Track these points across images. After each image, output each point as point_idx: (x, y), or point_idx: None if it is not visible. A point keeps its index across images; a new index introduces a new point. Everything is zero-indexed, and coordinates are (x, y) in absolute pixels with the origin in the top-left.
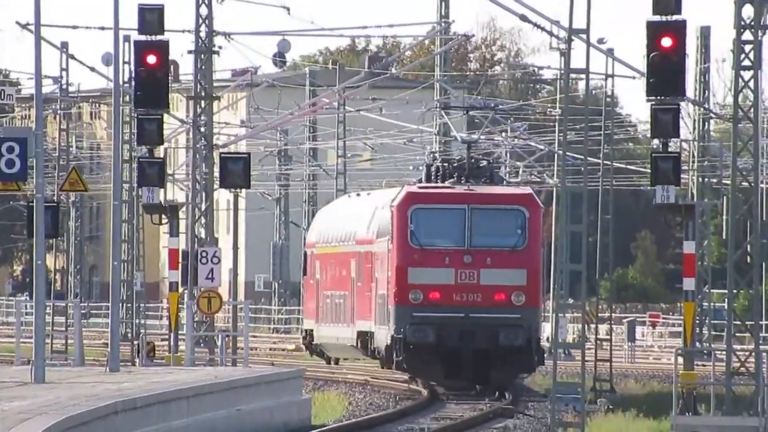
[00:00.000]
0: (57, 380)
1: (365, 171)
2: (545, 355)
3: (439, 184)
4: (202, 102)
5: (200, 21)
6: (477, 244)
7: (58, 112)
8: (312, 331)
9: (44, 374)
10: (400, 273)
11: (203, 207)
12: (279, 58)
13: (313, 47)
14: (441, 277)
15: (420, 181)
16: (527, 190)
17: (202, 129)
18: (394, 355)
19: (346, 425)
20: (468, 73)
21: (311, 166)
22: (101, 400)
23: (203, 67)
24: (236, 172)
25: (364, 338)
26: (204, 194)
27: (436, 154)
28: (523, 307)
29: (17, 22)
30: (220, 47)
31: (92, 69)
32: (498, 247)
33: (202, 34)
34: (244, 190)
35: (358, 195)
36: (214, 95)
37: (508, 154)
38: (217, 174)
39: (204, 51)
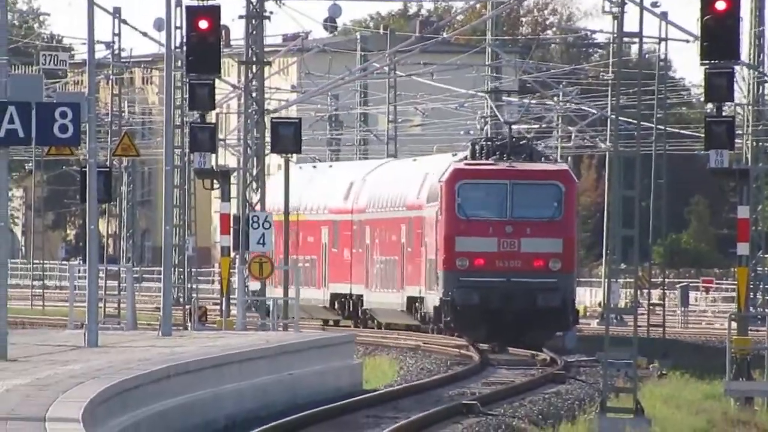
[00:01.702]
0: (110, 344)
1: (416, 136)
2: (597, 320)
3: (483, 161)
4: (254, 67)
5: None
6: (518, 215)
7: (111, 77)
8: (354, 296)
9: (97, 338)
10: (448, 242)
11: (254, 172)
12: (330, 23)
13: (364, 12)
14: (485, 246)
15: (465, 157)
16: (563, 166)
17: (254, 94)
18: (442, 316)
19: (397, 390)
20: (519, 38)
21: (362, 131)
22: (154, 365)
23: (254, 32)
24: (287, 137)
25: (413, 303)
26: (255, 159)
27: (487, 120)
28: (559, 272)
29: None
30: (271, 12)
31: (144, 34)
32: (537, 218)
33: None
34: (294, 155)
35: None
36: (265, 60)
37: (560, 119)
38: (268, 139)
39: (255, 16)
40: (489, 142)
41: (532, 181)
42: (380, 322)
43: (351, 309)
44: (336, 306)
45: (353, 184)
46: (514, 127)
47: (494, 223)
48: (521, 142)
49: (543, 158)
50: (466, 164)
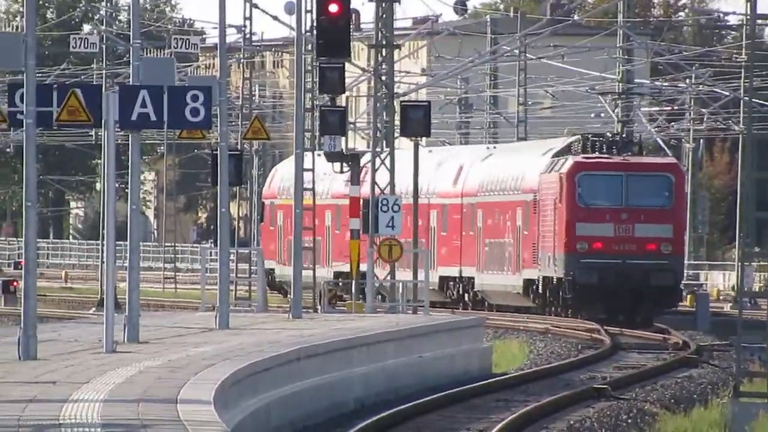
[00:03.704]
0: (240, 326)
1: (546, 119)
2: (730, 305)
3: (600, 155)
4: (383, 50)
5: None
6: (632, 203)
7: (242, 61)
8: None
9: (228, 321)
10: (569, 227)
11: (384, 155)
12: (460, 6)
13: None
14: (602, 231)
15: (569, 147)
16: (672, 159)
17: (383, 77)
18: (562, 294)
19: (527, 373)
20: (651, 19)
21: (491, 114)
22: (284, 347)
23: (384, 15)
24: (417, 120)
25: (531, 285)
26: (385, 142)
27: (618, 102)
28: (669, 255)
29: None
30: None
31: (275, 18)
32: (649, 206)
33: None
34: (424, 138)
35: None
36: (395, 44)
37: (692, 101)
38: (397, 122)
39: None
40: (600, 137)
41: (646, 173)
42: (491, 304)
43: (461, 291)
44: (444, 288)
45: (462, 168)
46: (644, 110)
47: (611, 211)
48: (632, 138)
49: (644, 152)
50: (584, 158)
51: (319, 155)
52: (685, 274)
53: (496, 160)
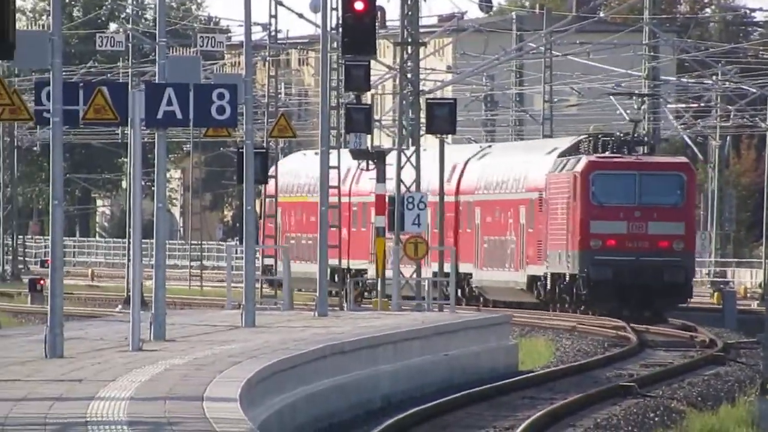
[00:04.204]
0: (266, 324)
1: (572, 116)
2: (757, 302)
3: (613, 154)
4: (409, 48)
5: None
6: (645, 201)
7: (267, 59)
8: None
9: (254, 318)
10: (584, 225)
11: (409, 152)
12: (486, 3)
13: None
14: (616, 228)
15: (589, 150)
16: (684, 159)
17: (409, 75)
18: (576, 290)
19: (553, 371)
20: (678, 16)
21: (517, 112)
22: (310, 344)
23: (410, 12)
24: (442, 117)
25: (535, 282)
26: (410, 140)
27: (645, 100)
28: (681, 252)
29: None
30: None
31: (300, 16)
32: (662, 205)
33: None
34: (449, 136)
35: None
36: (420, 41)
37: (718, 98)
38: (423, 120)
39: None
40: (611, 137)
41: (658, 172)
42: (487, 299)
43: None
44: (438, 284)
45: (456, 167)
46: (671, 106)
47: (624, 209)
48: (643, 138)
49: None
50: (598, 157)
51: (304, 154)
52: (712, 271)
53: (493, 159)
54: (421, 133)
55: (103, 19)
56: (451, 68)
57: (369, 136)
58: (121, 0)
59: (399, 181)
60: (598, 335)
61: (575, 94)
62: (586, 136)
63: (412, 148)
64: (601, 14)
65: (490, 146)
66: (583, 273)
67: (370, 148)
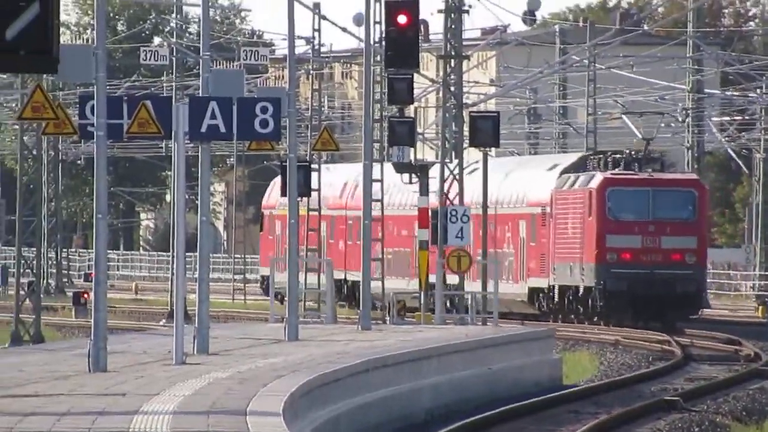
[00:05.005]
0: (309, 338)
1: (615, 129)
2: None
3: (627, 171)
4: (452, 61)
5: None
6: (658, 216)
7: (311, 72)
8: None
9: (297, 332)
10: (600, 239)
11: (453, 166)
12: (529, 16)
13: (564, 4)
14: (631, 242)
15: (599, 167)
16: (694, 176)
17: (452, 88)
18: (592, 302)
19: (597, 385)
20: (721, 29)
21: (560, 125)
22: (353, 358)
23: (453, 26)
24: (485, 130)
25: (536, 294)
26: (453, 153)
27: (688, 112)
28: (693, 265)
29: None
30: (470, 6)
31: (344, 29)
32: (675, 219)
33: None
34: (493, 149)
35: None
36: (463, 54)
37: (762, 111)
38: (466, 133)
39: (454, 10)
40: (623, 155)
41: (671, 188)
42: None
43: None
44: (430, 295)
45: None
46: (715, 119)
47: (639, 224)
48: (655, 155)
49: (671, 169)
50: (612, 174)
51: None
52: (756, 285)
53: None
54: (465, 146)
55: (148, 32)
56: (494, 81)
57: (412, 149)
58: (165, 14)
59: (442, 194)
60: (642, 349)
61: (619, 107)
62: (592, 153)
63: (455, 161)
64: (645, 27)
65: (477, 162)
66: (599, 285)
67: (413, 162)
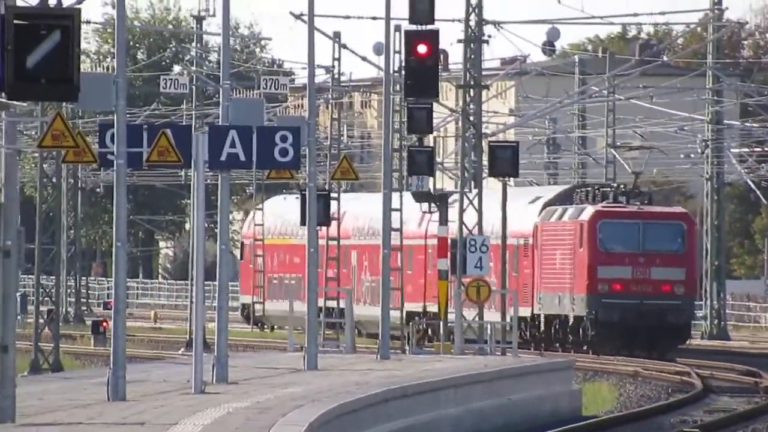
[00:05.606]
0: (329, 367)
1: (635, 159)
2: None
3: (617, 204)
4: (471, 91)
5: (470, 10)
6: (648, 248)
7: (330, 101)
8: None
9: (316, 361)
10: (591, 270)
11: (472, 195)
12: (548, 47)
13: (583, 35)
14: (621, 273)
15: (585, 200)
16: (683, 209)
17: (471, 117)
18: (583, 331)
19: (617, 416)
20: (741, 60)
21: (580, 155)
22: (372, 388)
23: (472, 55)
24: (505, 160)
25: (521, 323)
26: (473, 182)
27: (708, 143)
28: (683, 296)
29: (291, 13)
30: (489, 36)
31: (363, 59)
32: (664, 251)
33: (472, 23)
34: (512, 179)
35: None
36: (483, 84)
37: None
38: (485, 162)
39: (473, 40)
40: (610, 188)
41: (660, 221)
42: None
43: (424, 326)
44: (410, 323)
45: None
46: (734, 150)
47: (629, 255)
48: (642, 190)
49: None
50: (603, 207)
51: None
52: None
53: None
54: (484, 175)
55: (167, 61)
56: (514, 111)
57: (431, 178)
58: (186, 43)
59: (461, 223)
60: (662, 380)
61: (638, 138)
62: (578, 186)
63: (475, 191)
64: (665, 58)
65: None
66: (591, 315)
67: (432, 191)
